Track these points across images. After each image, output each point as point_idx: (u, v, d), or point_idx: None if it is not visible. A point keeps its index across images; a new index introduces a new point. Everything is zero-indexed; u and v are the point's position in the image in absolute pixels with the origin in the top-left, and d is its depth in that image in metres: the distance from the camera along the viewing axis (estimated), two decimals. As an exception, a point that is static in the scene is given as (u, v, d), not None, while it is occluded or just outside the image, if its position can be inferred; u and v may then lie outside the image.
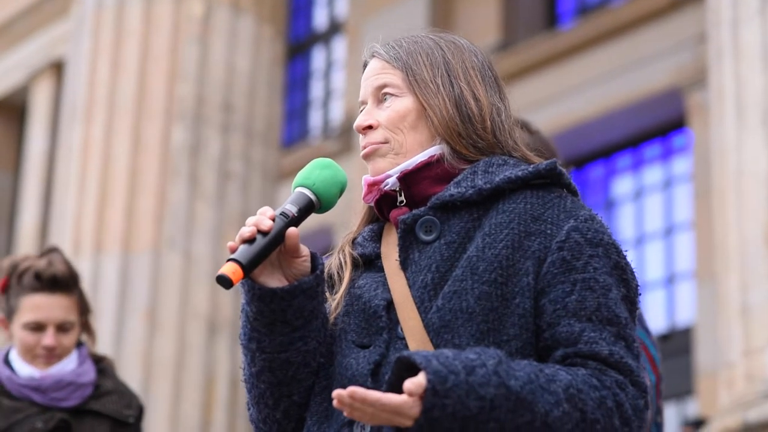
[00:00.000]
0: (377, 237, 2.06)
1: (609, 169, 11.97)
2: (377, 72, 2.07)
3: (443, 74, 2.03)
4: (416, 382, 1.70)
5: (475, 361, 1.74)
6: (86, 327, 3.63)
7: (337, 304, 2.02)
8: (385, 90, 2.04)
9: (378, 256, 2.02)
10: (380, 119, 2.03)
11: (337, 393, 1.71)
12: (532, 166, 1.98)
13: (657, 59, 10.83)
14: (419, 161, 2.01)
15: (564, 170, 2.02)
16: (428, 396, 1.70)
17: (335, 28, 14.91)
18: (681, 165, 11.43)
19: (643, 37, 11.05)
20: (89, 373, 3.48)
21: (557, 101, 11.50)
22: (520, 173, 1.95)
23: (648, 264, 11.28)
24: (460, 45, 2.10)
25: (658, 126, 11.50)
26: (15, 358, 3.48)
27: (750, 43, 7.36)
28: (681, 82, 10.67)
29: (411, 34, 2.15)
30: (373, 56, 2.10)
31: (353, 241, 2.10)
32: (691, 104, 10.58)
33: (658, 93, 10.93)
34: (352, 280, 2.03)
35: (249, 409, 2.05)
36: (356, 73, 2.13)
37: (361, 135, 2.07)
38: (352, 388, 1.70)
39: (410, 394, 1.70)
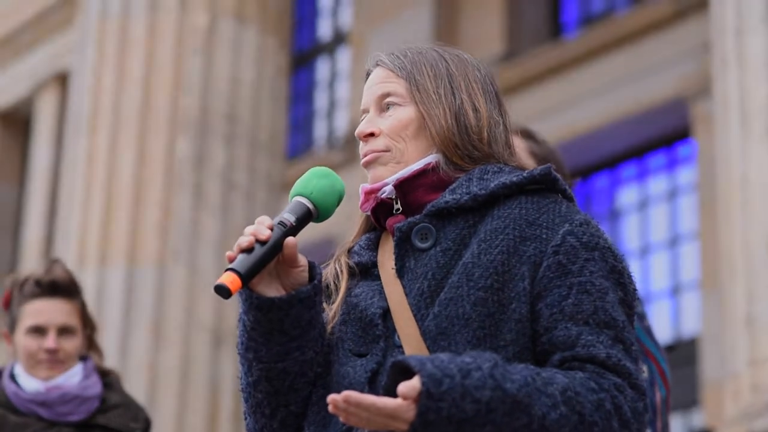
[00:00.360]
0: (374, 245, 2.07)
1: (614, 179, 11.97)
2: (381, 80, 2.08)
3: (446, 86, 2.04)
4: (410, 386, 1.70)
5: (470, 364, 1.74)
6: (92, 344, 3.64)
7: (334, 313, 2.02)
8: (389, 99, 2.05)
9: (375, 265, 2.03)
10: (382, 127, 2.04)
11: (331, 398, 1.71)
12: (526, 171, 1.99)
13: (661, 69, 10.84)
14: (414, 169, 2.02)
15: (559, 176, 2.03)
16: (423, 399, 1.70)
17: (339, 38, 14.93)
18: (686, 175, 11.43)
19: (647, 46, 11.06)
20: (95, 387, 3.49)
21: (562, 111, 11.50)
22: (514, 179, 1.96)
23: (653, 274, 11.27)
24: (463, 58, 2.11)
25: (662, 136, 11.50)
26: (20, 373, 3.49)
27: (754, 52, 7.36)
28: (685, 91, 10.68)
29: (415, 46, 2.16)
30: (378, 65, 2.11)
31: (350, 250, 2.11)
32: (696, 114, 10.58)
33: (662, 103, 10.93)
34: (348, 289, 2.03)
35: (246, 418, 2.04)
36: (361, 84, 2.13)
37: (361, 142, 2.08)
38: (346, 393, 1.70)
39: (405, 398, 1.70)
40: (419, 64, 2.06)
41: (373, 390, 1.86)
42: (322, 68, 15.28)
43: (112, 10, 8.66)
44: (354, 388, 1.86)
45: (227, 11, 8.66)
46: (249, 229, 1.89)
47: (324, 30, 15.39)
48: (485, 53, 11.79)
